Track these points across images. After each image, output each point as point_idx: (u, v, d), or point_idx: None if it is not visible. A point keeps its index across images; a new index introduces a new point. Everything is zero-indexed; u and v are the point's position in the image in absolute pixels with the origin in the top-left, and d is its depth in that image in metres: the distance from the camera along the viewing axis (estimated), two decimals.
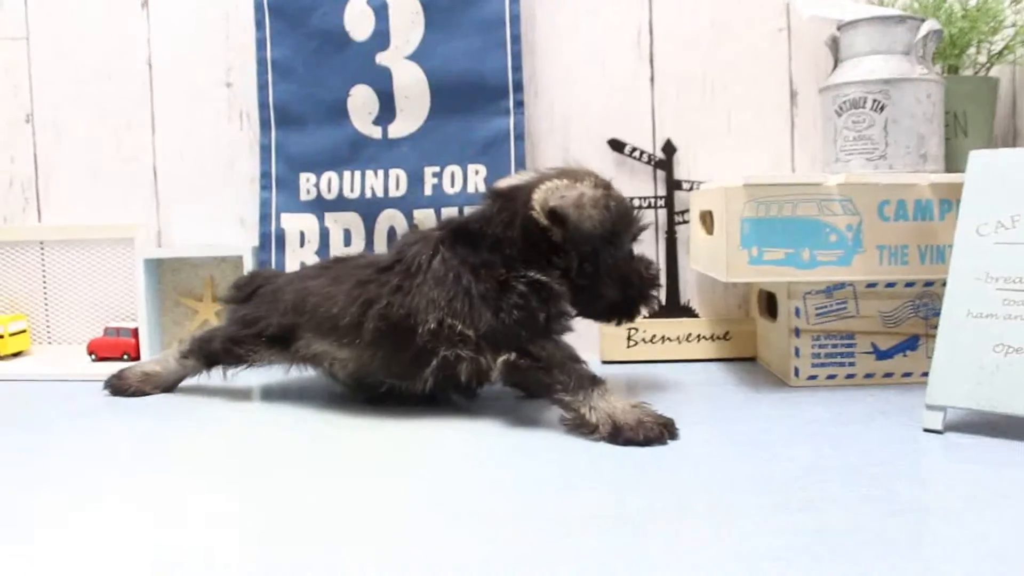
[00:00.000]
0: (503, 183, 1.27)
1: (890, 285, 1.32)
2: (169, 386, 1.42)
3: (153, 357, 1.50)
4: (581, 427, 1.08)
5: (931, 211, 1.27)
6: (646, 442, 1.03)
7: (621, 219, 1.22)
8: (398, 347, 1.19)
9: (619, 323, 1.33)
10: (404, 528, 0.80)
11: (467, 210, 1.61)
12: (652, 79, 1.67)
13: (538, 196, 1.17)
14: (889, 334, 1.34)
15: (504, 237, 1.18)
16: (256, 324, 1.33)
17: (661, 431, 1.04)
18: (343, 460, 1.04)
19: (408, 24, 1.64)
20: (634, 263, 1.28)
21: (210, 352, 1.37)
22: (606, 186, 1.22)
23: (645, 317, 1.39)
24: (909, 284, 1.32)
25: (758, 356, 1.59)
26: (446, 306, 1.16)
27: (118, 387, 1.40)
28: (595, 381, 1.10)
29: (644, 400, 1.11)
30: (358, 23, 1.66)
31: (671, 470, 0.95)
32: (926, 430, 1.07)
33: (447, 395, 1.27)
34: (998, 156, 1.17)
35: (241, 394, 1.40)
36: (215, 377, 1.40)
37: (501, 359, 1.14)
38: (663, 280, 1.58)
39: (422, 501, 0.87)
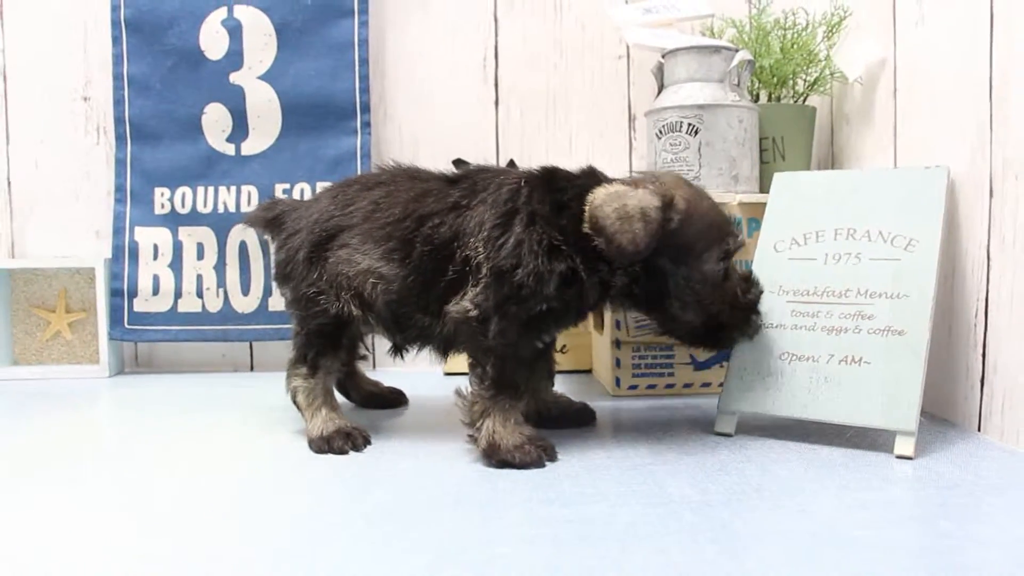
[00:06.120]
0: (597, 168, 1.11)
1: None
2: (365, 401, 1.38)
3: (316, 419, 1.15)
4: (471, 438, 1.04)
5: (740, 229, 1.36)
6: (522, 465, 1.00)
7: (698, 234, 1.04)
8: (436, 273, 1.07)
9: (711, 350, 1.22)
10: None
11: None
12: (496, 101, 1.74)
13: (592, 198, 1.02)
14: None
15: (569, 211, 1.04)
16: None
17: (539, 454, 1.01)
18: None
19: (261, 45, 1.68)
20: (727, 284, 1.08)
21: (312, 357, 1.17)
22: (668, 196, 1.02)
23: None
24: None
25: (592, 368, 1.66)
26: (488, 231, 1.04)
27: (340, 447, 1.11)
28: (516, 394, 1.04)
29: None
30: (213, 43, 1.69)
31: (462, 468, 1.00)
32: (717, 433, 1.14)
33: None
34: (798, 178, 1.26)
35: None
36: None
37: (458, 310, 1.04)
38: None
39: None
